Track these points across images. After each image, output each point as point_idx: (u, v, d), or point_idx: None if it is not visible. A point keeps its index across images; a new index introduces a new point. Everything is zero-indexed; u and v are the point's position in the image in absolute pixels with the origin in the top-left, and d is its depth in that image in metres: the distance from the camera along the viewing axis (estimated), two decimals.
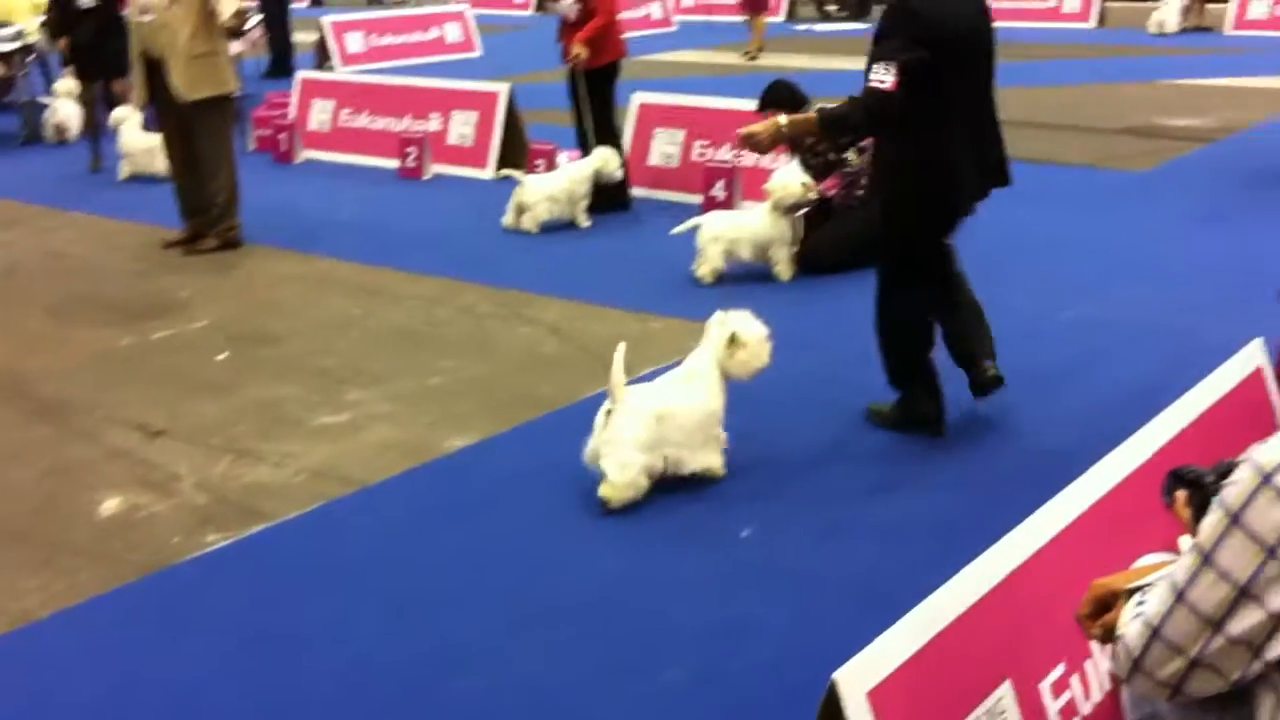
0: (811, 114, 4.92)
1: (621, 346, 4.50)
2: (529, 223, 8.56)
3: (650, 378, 4.80)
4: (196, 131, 8.19)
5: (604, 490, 4.49)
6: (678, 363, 4.85)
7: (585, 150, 9.08)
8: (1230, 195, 9.27)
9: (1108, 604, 2.20)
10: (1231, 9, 20.84)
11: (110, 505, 4.70)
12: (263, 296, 7.35)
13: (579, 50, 8.62)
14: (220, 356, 6.30)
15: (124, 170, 10.60)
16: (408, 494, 4.77)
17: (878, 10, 25.13)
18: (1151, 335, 6.19)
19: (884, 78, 4.60)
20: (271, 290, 7.47)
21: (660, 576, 4.08)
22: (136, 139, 10.45)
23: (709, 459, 4.72)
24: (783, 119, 5.00)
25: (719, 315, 4.75)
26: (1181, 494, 2.29)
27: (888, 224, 5.02)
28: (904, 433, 5.13)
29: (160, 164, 9.26)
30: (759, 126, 5.03)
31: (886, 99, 4.61)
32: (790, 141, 5.16)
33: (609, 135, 9.01)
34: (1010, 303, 6.45)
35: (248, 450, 5.16)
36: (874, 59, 4.66)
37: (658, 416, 4.54)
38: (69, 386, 5.95)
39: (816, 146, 7.50)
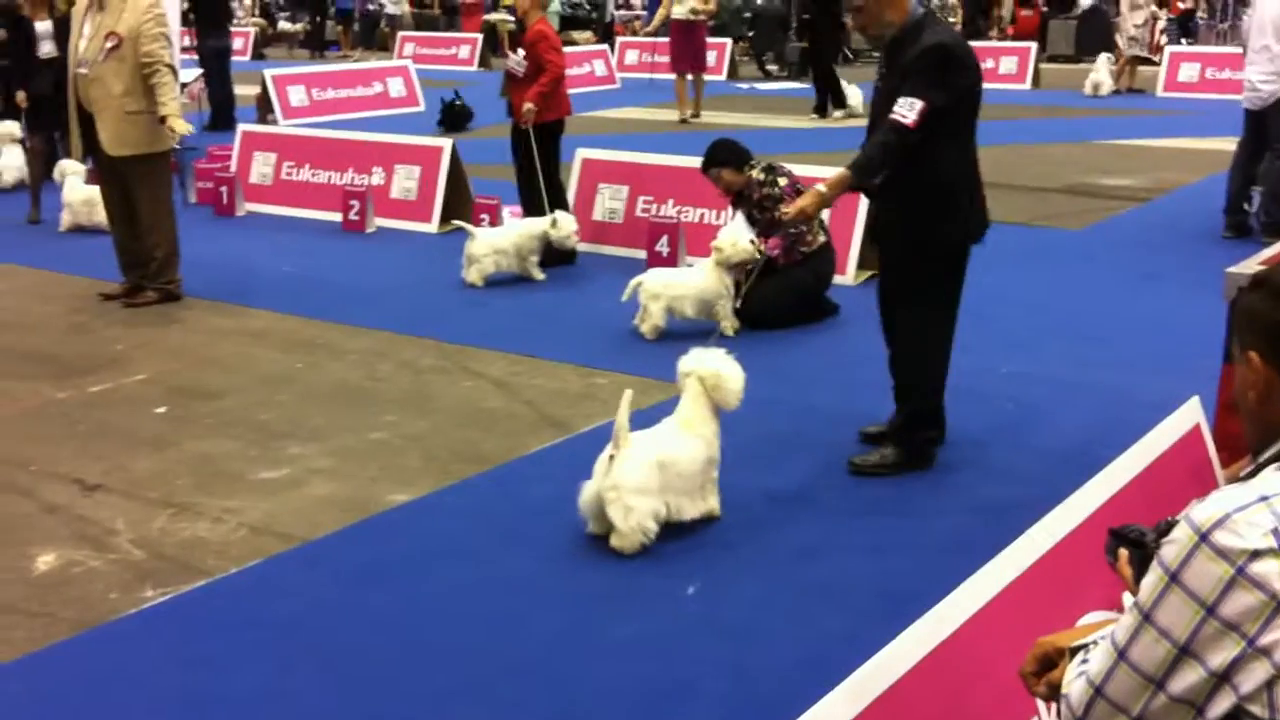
0: (844, 171, 5.04)
1: (628, 393, 4.51)
2: (474, 275, 8.56)
3: (599, 432, 4.79)
4: (133, 186, 8.11)
5: (614, 541, 4.51)
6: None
7: (528, 205, 9.12)
8: (1163, 254, 9.46)
9: (1052, 661, 2.22)
10: (1162, 72, 21.36)
11: (46, 561, 4.61)
12: (202, 350, 7.27)
13: (530, 107, 8.70)
14: (159, 410, 6.22)
15: (65, 221, 10.49)
16: (348, 550, 4.71)
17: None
18: (1089, 392, 6.28)
19: (907, 114, 4.77)
20: (211, 344, 7.39)
21: (603, 636, 4.05)
22: (77, 190, 10.35)
23: (708, 503, 4.80)
24: (822, 186, 5.11)
25: (687, 365, 4.78)
26: (1124, 553, 2.32)
27: (915, 247, 5.15)
28: (899, 474, 5.24)
29: (101, 216, 9.16)
30: (804, 201, 5.18)
31: (905, 134, 4.78)
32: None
33: (553, 190, 9.06)
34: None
35: (186, 505, 5.09)
36: (901, 94, 4.79)
37: (660, 463, 4.54)
38: (2, 441, 5.84)
39: (764, 203, 7.58)
